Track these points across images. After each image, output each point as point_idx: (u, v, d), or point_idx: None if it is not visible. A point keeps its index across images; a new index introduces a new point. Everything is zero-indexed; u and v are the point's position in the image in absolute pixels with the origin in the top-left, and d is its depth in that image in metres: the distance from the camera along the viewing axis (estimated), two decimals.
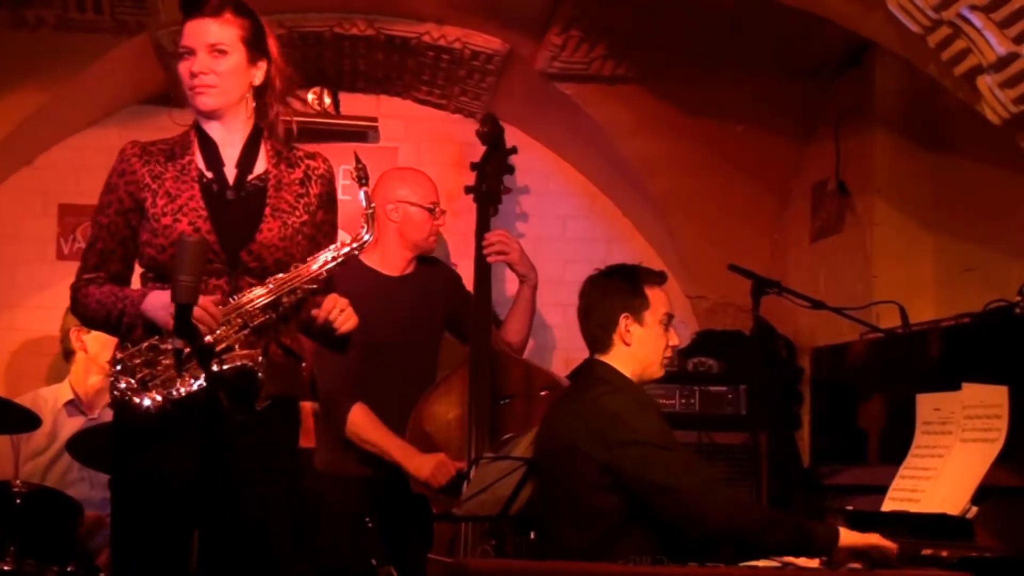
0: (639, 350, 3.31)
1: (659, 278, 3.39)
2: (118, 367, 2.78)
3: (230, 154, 2.99)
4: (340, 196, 5.01)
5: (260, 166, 3.00)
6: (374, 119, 5.32)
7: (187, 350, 2.68)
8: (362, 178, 2.97)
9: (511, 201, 5.18)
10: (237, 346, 2.78)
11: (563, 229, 5.50)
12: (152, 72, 4.87)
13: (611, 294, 3.33)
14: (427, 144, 5.41)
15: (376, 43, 5.00)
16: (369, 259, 4.40)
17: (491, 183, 4.68)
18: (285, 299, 2.87)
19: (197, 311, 2.67)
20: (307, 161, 3.07)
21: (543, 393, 4.28)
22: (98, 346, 4.51)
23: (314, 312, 2.93)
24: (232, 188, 2.96)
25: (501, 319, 4.64)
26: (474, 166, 4.75)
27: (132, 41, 4.64)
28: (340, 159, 5.23)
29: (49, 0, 4.38)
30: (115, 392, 2.78)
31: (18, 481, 4.04)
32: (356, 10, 4.91)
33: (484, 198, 4.67)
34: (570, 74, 4.90)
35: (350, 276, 4.29)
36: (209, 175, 2.95)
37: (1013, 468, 3.08)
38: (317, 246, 3.00)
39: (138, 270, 3.02)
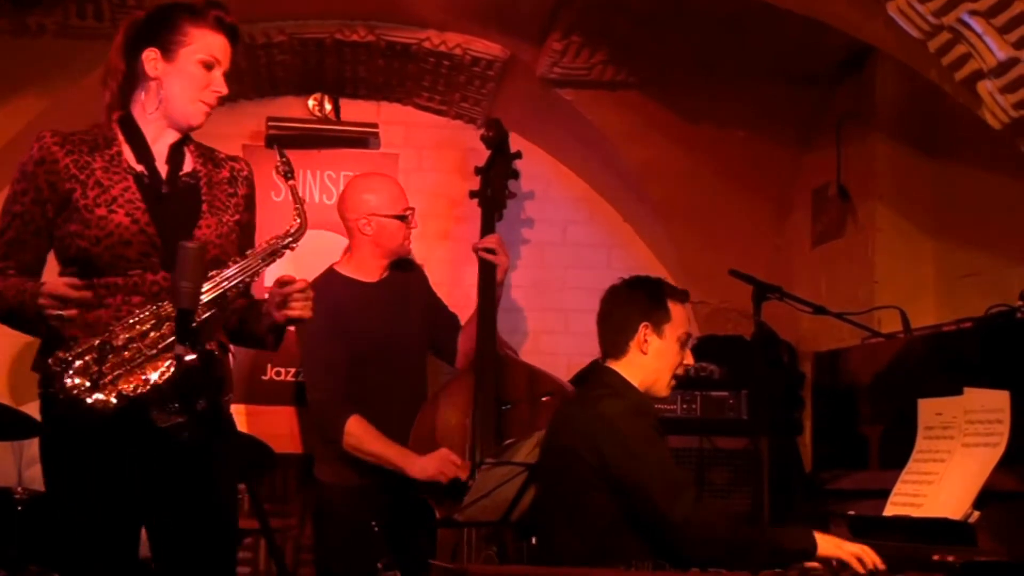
0: (653, 361, 3.30)
1: (682, 296, 3.40)
2: (62, 365, 2.71)
3: (157, 151, 2.94)
4: (326, 201, 5.14)
5: (188, 164, 2.97)
6: (374, 125, 5.33)
7: (188, 356, 2.67)
8: (287, 172, 2.93)
9: (515, 206, 5.19)
10: None
11: (563, 234, 5.50)
12: None
13: (634, 301, 3.33)
14: (428, 150, 5.42)
15: (376, 49, 5.01)
16: (345, 269, 4.40)
17: (496, 188, 4.69)
18: (230, 293, 2.84)
19: (47, 288, 2.67)
20: (231, 163, 3.05)
21: (544, 399, 4.28)
22: None
23: (278, 282, 2.88)
24: (166, 183, 2.91)
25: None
26: (478, 171, 4.75)
27: None
28: (341, 165, 5.30)
29: (50, 7, 4.38)
30: (67, 391, 2.70)
31: (19, 487, 4.04)
32: (357, 16, 4.92)
33: (489, 203, 4.67)
34: (571, 80, 4.91)
35: (329, 288, 4.32)
36: (139, 168, 2.90)
37: (1015, 472, 3.07)
38: (241, 246, 2.98)
39: (52, 265, 2.93)
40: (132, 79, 2.95)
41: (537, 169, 5.41)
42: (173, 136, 2.96)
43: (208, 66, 2.91)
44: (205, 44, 2.91)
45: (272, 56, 5.01)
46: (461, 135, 5.38)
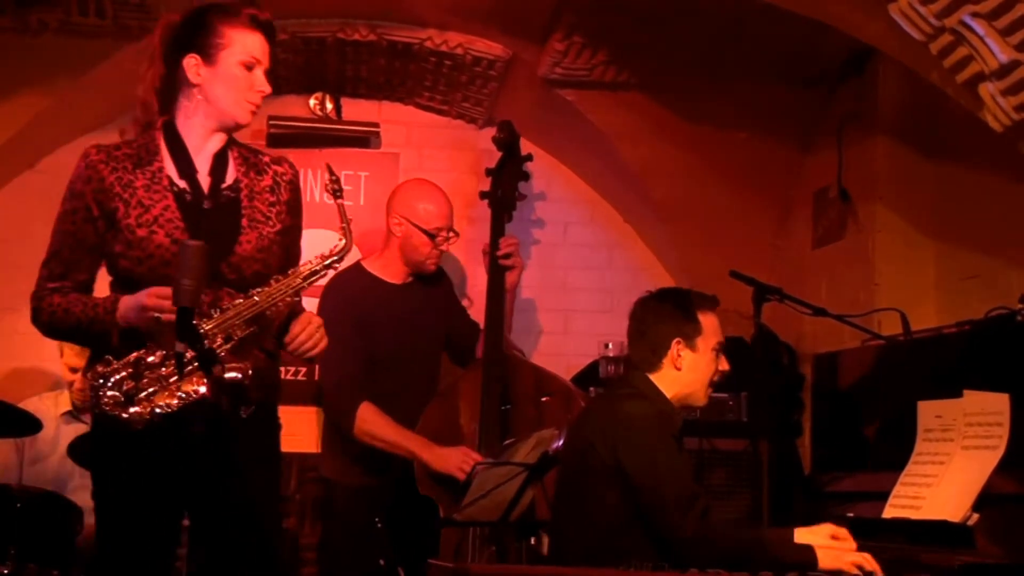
0: (688, 375, 3.28)
1: (711, 303, 3.35)
2: (100, 380, 2.76)
3: (201, 161, 2.96)
4: (327, 201, 5.12)
5: (231, 174, 2.99)
6: (376, 125, 5.33)
7: (189, 354, 2.67)
8: (336, 191, 2.96)
9: (524, 207, 5.18)
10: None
11: (564, 235, 5.50)
12: None
13: (664, 318, 3.30)
14: (429, 150, 5.41)
15: (378, 49, 5.01)
16: (372, 266, 4.41)
17: (506, 190, 4.69)
18: (269, 312, 2.86)
19: (155, 287, 2.71)
20: (274, 167, 3.06)
21: (544, 399, 4.28)
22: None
23: (286, 339, 2.96)
24: (207, 197, 2.93)
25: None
26: (489, 172, 4.75)
27: (135, 46, 4.64)
28: (342, 164, 5.27)
29: (52, 4, 4.38)
30: (102, 406, 2.75)
31: (19, 485, 4.04)
32: (358, 16, 4.93)
33: (498, 204, 4.67)
34: (572, 80, 4.91)
35: (354, 282, 4.32)
36: (182, 184, 2.92)
37: (1014, 475, 3.07)
38: (286, 251, 3.01)
39: (104, 278, 2.97)
40: (173, 85, 2.98)
41: (538, 170, 5.40)
42: (218, 142, 2.98)
43: (249, 67, 2.95)
44: (243, 45, 2.94)
45: (274, 55, 5.01)
46: (462, 135, 5.38)
